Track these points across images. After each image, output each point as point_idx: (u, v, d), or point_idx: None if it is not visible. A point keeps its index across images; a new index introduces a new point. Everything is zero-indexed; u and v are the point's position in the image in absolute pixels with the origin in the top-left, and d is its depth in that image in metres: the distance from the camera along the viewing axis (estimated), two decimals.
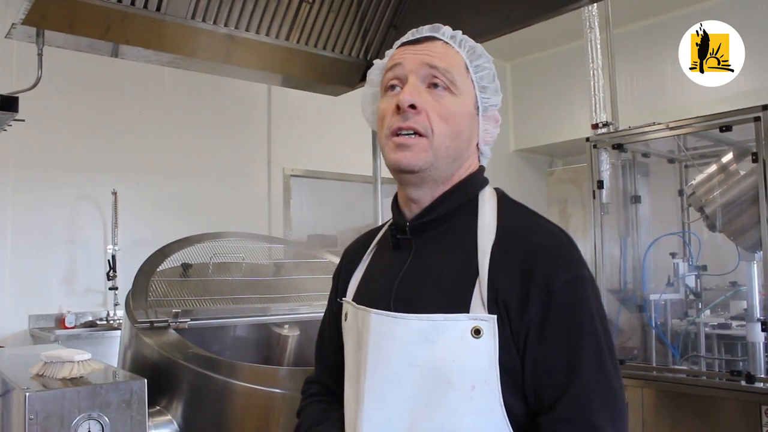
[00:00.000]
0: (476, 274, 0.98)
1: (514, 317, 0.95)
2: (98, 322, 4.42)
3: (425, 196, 1.07)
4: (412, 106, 1.02)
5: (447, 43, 1.08)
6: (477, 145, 1.12)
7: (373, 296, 1.08)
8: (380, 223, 1.28)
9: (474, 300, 0.97)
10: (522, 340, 0.95)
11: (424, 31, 1.10)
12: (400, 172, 1.05)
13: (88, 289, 4.58)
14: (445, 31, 1.09)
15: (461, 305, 0.97)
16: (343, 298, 1.15)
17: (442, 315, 0.97)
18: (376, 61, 1.16)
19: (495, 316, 0.95)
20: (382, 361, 1.01)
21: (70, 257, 4.56)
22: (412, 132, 1.02)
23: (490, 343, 0.94)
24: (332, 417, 1.13)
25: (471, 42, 1.10)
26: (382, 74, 1.12)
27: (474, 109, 1.08)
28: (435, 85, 1.04)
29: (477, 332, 0.95)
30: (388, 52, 1.13)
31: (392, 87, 1.07)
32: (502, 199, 1.11)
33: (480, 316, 0.95)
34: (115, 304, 4.38)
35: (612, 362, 0.97)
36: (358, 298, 1.12)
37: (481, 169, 1.13)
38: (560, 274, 0.96)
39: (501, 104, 1.13)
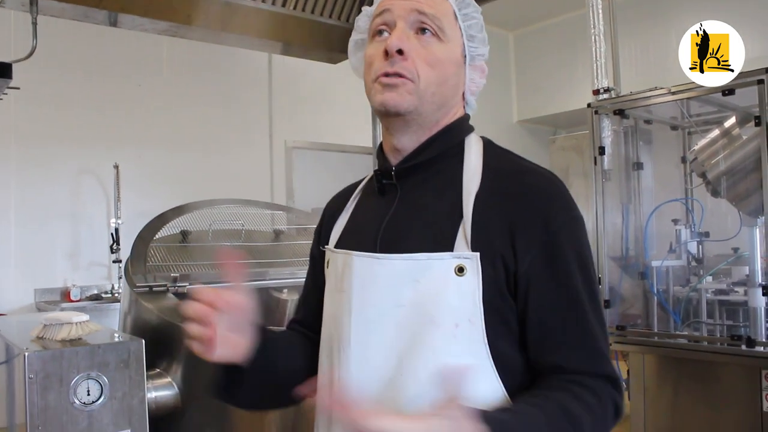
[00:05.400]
0: (461, 215, 0.99)
1: (509, 258, 0.96)
2: (103, 295, 4.46)
3: (411, 142, 1.07)
4: (400, 52, 1.01)
5: None
6: (463, 94, 1.12)
7: (358, 241, 1.08)
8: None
9: (458, 239, 0.97)
10: (523, 281, 0.96)
11: None
12: (386, 115, 1.05)
13: (92, 262, 4.61)
14: None
15: (445, 245, 0.97)
16: (325, 246, 1.16)
17: (426, 254, 0.98)
18: (365, 8, 1.15)
19: (478, 254, 0.95)
20: (367, 304, 1.01)
21: (73, 231, 4.58)
22: (398, 76, 1.02)
23: (473, 281, 0.95)
24: (303, 343, 1.16)
25: None
26: (369, 20, 1.11)
27: (461, 58, 1.08)
28: (423, 31, 1.04)
29: (461, 270, 0.95)
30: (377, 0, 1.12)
31: (380, 32, 1.06)
32: (489, 145, 1.11)
33: (464, 254, 0.95)
34: (120, 277, 4.41)
35: (599, 300, 1.01)
36: (341, 244, 1.12)
37: (467, 116, 1.13)
38: (559, 214, 0.98)
39: (488, 56, 1.12)
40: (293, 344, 1.17)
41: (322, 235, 1.22)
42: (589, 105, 3.28)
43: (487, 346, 0.94)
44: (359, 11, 1.22)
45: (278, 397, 1.14)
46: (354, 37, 1.16)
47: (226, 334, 0.97)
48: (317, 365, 1.12)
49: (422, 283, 0.97)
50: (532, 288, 0.96)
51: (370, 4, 1.14)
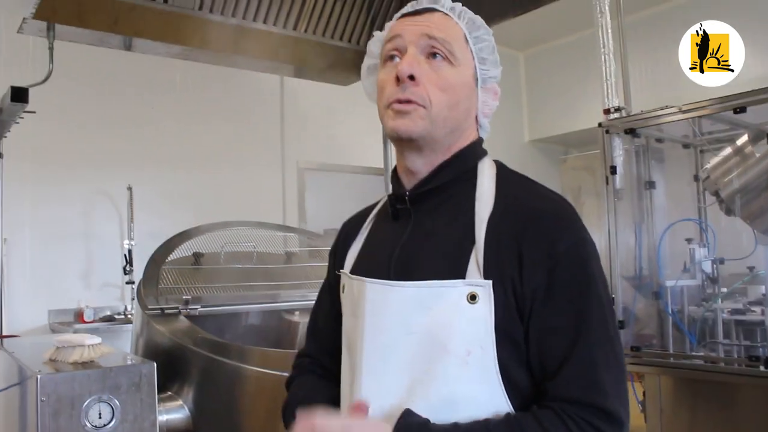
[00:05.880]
0: (473, 241, 0.99)
1: (517, 282, 0.95)
2: (116, 317, 4.48)
3: (424, 165, 1.08)
4: (411, 77, 1.02)
5: (446, 14, 1.08)
6: (476, 117, 1.12)
7: (372, 267, 1.08)
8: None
9: (470, 266, 0.97)
10: (528, 305, 0.95)
11: (424, 2, 1.10)
12: (399, 140, 1.06)
13: (105, 283, 4.63)
14: (445, 2, 1.09)
15: (458, 272, 0.97)
16: (341, 270, 1.16)
17: (438, 281, 0.97)
18: (376, 33, 1.16)
19: (490, 282, 0.95)
20: (379, 330, 1.01)
21: (87, 252, 4.61)
22: (409, 102, 1.02)
23: (486, 309, 0.94)
24: (322, 391, 1.15)
25: (470, 14, 1.10)
26: (381, 46, 1.12)
27: (473, 81, 1.08)
28: (434, 56, 1.04)
29: (473, 298, 0.95)
30: (388, 24, 1.13)
31: (391, 58, 1.07)
32: (501, 169, 1.11)
33: (476, 281, 0.95)
34: (132, 299, 4.43)
35: (613, 325, 0.97)
36: (357, 270, 1.12)
37: (480, 140, 1.13)
38: (564, 238, 0.97)
39: (500, 77, 1.13)
40: None
41: (337, 257, 1.22)
42: (599, 124, 3.27)
43: (499, 373, 0.94)
44: (370, 34, 1.23)
45: None
46: (366, 62, 1.17)
47: None
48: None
49: (434, 311, 0.96)
50: (534, 312, 0.95)
51: (381, 28, 1.15)
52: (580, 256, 0.97)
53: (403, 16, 1.10)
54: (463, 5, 1.11)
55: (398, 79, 1.03)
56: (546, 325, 0.94)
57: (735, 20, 3.32)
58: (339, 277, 1.17)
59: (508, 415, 0.93)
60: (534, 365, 0.95)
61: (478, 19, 1.10)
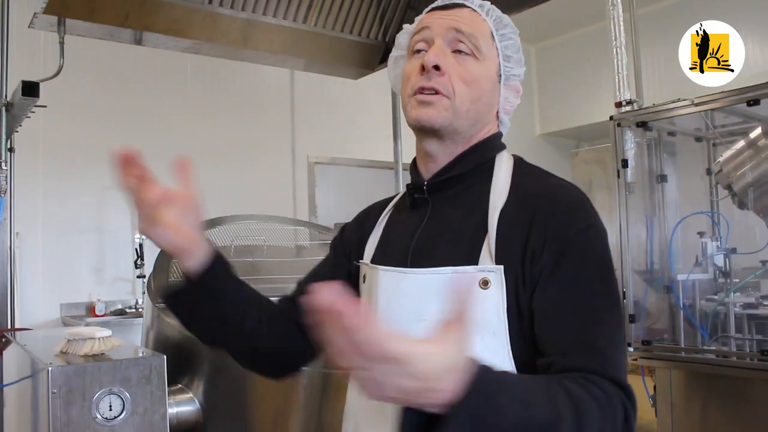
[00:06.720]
0: (487, 229, 1.00)
1: (527, 266, 0.96)
2: (127, 310, 4.51)
3: (443, 154, 1.09)
4: (437, 67, 1.04)
5: (475, 10, 1.10)
6: (497, 113, 1.13)
7: (390, 256, 1.10)
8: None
9: (483, 253, 0.98)
10: (534, 283, 0.95)
11: None
12: (420, 130, 1.08)
13: (116, 277, 4.67)
14: None
15: (471, 259, 0.99)
16: (361, 261, 1.17)
17: (451, 268, 0.99)
18: (406, 26, 1.19)
19: (502, 267, 0.96)
20: (392, 318, 1.02)
21: (98, 246, 4.64)
22: (434, 92, 1.04)
23: (498, 294, 0.95)
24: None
25: (498, 12, 1.12)
26: (409, 38, 1.14)
27: (496, 77, 1.10)
28: (460, 51, 1.06)
29: (485, 283, 0.96)
30: (417, 18, 1.16)
31: (418, 50, 1.09)
32: (519, 162, 1.13)
33: (488, 267, 0.96)
34: (143, 292, 4.45)
35: (618, 310, 0.98)
36: (376, 260, 1.14)
37: (499, 133, 1.15)
38: (575, 223, 0.98)
39: (523, 77, 1.15)
40: (253, 296, 1.15)
41: (344, 239, 1.25)
42: (611, 117, 3.25)
43: (512, 358, 0.95)
44: (380, 27, 1.25)
45: (219, 336, 1.14)
46: (393, 53, 1.19)
47: (176, 220, 0.99)
48: (272, 334, 1.13)
49: (446, 297, 0.97)
50: (539, 291, 0.95)
51: (391, 21, 1.17)
52: (591, 241, 0.98)
53: (433, 10, 1.12)
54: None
55: (423, 69, 1.04)
56: (550, 307, 0.94)
57: (741, 14, 3.30)
58: (344, 243, 1.22)
59: (551, 378, 0.88)
60: (541, 342, 0.94)
61: (506, 17, 1.12)
